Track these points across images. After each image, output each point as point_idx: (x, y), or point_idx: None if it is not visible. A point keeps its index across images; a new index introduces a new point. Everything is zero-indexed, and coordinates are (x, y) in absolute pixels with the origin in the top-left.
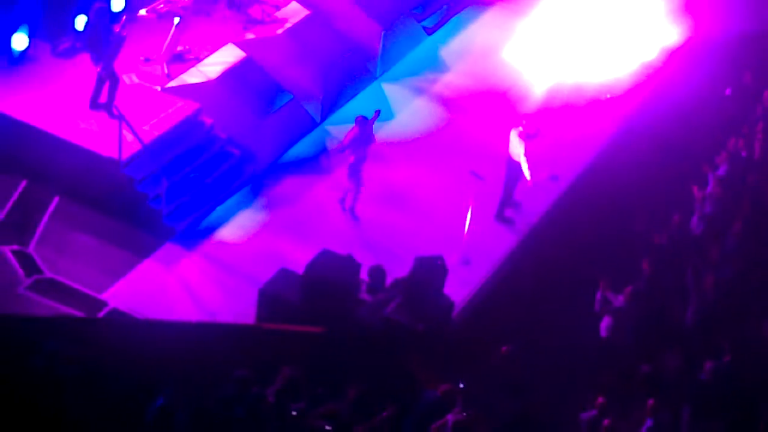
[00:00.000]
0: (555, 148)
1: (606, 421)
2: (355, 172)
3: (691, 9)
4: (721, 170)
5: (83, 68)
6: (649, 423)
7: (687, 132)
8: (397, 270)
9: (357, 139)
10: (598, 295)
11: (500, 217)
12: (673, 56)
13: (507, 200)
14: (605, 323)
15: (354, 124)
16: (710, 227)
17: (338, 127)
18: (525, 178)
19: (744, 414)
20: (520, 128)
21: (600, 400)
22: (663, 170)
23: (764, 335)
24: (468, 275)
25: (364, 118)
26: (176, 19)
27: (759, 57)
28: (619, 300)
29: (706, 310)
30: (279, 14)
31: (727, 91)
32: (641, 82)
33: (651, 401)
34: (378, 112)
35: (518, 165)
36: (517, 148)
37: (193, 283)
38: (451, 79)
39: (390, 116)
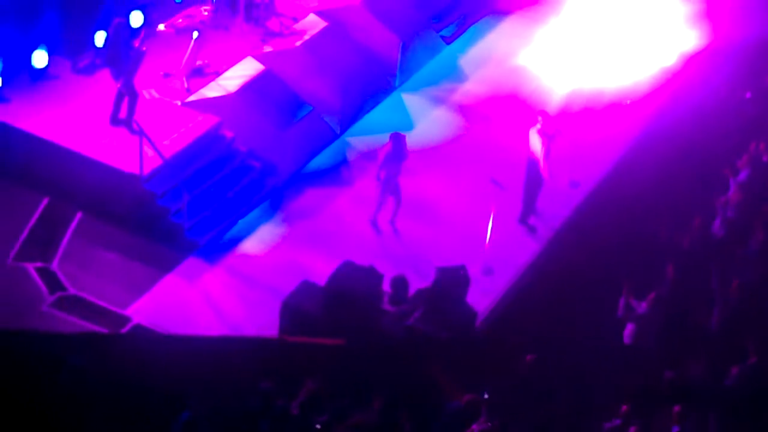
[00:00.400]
0: (575, 153)
1: (631, 430)
2: (389, 187)
3: (710, 14)
4: (743, 174)
5: (103, 84)
6: (675, 431)
7: (707, 136)
8: (420, 280)
9: (390, 154)
10: (621, 302)
11: (524, 221)
12: (692, 61)
13: (529, 204)
14: (629, 330)
15: (388, 140)
16: (732, 231)
17: (358, 138)
18: (545, 181)
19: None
20: (539, 125)
21: (624, 408)
22: (684, 174)
23: None
24: (490, 284)
25: (398, 133)
26: (195, 34)
27: None
28: (642, 306)
29: (731, 314)
30: (297, 27)
31: (748, 95)
32: (661, 87)
33: (677, 408)
34: (399, 135)
35: (538, 167)
36: (536, 145)
37: (215, 297)
38: (470, 88)
39: (410, 126)
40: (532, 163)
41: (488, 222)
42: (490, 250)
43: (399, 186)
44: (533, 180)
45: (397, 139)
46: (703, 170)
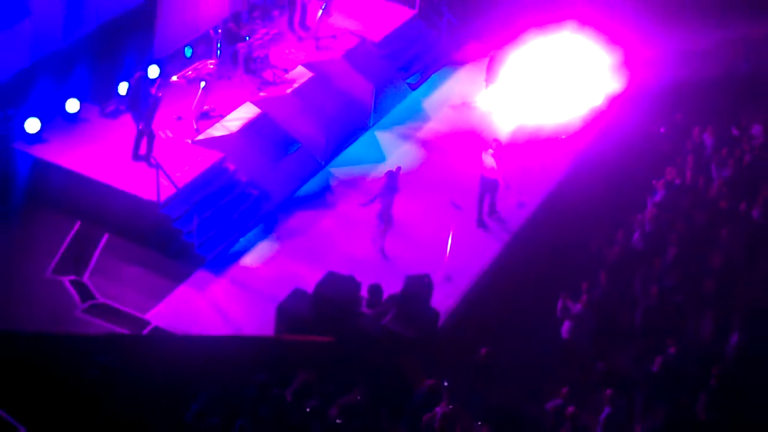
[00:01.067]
0: (521, 179)
1: (570, 409)
2: (384, 216)
3: (629, 63)
4: (658, 195)
5: (126, 126)
6: (607, 410)
7: (628, 164)
8: (392, 287)
9: (386, 188)
10: (559, 303)
11: (480, 225)
12: (615, 102)
13: (482, 211)
14: (565, 327)
15: (383, 176)
16: (650, 243)
17: (339, 169)
18: (497, 191)
19: (687, 398)
20: (491, 150)
21: (564, 390)
22: (609, 195)
23: (701, 333)
24: (450, 289)
25: (391, 171)
26: (202, 84)
27: (688, 100)
28: (576, 307)
29: (651, 313)
30: (287, 77)
31: (662, 130)
32: (590, 123)
33: (609, 391)
34: (399, 168)
35: (489, 181)
36: (490, 164)
37: (221, 303)
38: (432, 126)
39: (382, 159)
40: (484, 178)
41: (448, 237)
42: (450, 260)
43: (392, 215)
44: (484, 191)
45: (391, 175)
46: (624, 192)
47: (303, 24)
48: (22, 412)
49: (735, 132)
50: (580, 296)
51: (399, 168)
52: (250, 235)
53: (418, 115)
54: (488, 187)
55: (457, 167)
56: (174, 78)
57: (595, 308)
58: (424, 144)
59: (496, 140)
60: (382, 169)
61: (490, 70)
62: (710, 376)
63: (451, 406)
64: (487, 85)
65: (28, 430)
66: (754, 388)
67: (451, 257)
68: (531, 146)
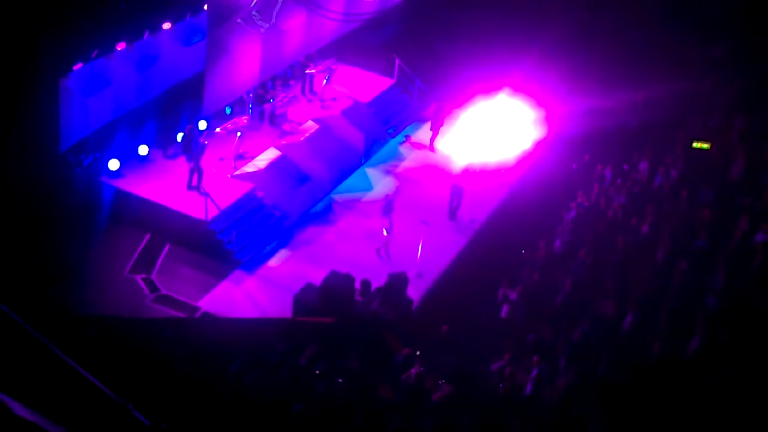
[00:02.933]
0: (472, 201)
1: (508, 369)
2: (389, 229)
3: (550, 117)
4: (572, 213)
5: (182, 165)
6: (535, 371)
7: (550, 190)
8: (378, 281)
9: (386, 207)
10: (500, 292)
11: (452, 218)
12: (540, 145)
13: (452, 208)
14: (504, 309)
15: (384, 200)
16: (567, 247)
17: (340, 195)
18: (462, 197)
19: (594, 360)
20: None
21: (507, 355)
22: (537, 212)
23: (605, 312)
24: (421, 283)
25: (388, 195)
26: (238, 133)
27: (593, 144)
28: (513, 294)
29: (568, 299)
30: (301, 128)
31: (574, 166)
32: (522, 161)
33: (535, 357)
34: (391, 195)
35: (457, 188)
36: (459, 176)
37: (252, 294)
38: (406, 164)
39: (371, 188)
40: (455, 186)
41: (419, 246)
42: (421, 262)
43: (391, 228)
44: (454, 197)
45: (388, 198)
46: (547, 210)
47: (312, 90)
48: (114, 379)
49: (626, 167)
50: (515, 286)
51: (389, 195)
52: (274, 244)
53: (395, 156)
54: (456, 192)
55: (425, 193)
56: (217, 129)
57: (527, 295)
58: (400, 177)
59: (468, 166)
60: (372, 195)
61: (435, 121)
62: (611, 345)
63: (421, 369)
64: (432, 131)
65: (115, 393)
66: (643, 353)
67: (422, 260)
68: (479, 177)
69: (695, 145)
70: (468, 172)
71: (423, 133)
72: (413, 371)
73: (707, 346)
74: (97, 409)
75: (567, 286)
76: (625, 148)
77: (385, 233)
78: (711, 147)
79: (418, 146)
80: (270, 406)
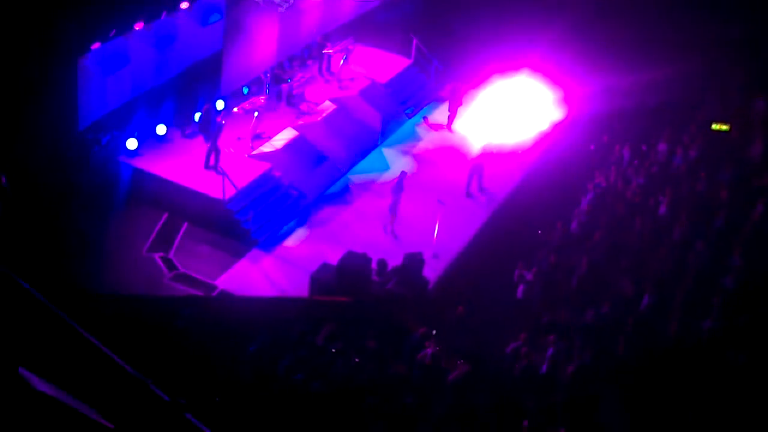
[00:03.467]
0: (490, 181)
1: (524, 349)
2: (393, 208)
3: (567, 98)
4: (589, 195)
5: (199, 145)
6: (551, 350)
7: (568, 171)
8: (394, 261)
9: (395, 186)
10: (516, 272)
11: (469, 195)
12: (558, 126)
13: (470, 186)
14: (520, 289)
15: (396, 177)
16: (584, 229)
17: (356, 176)
18: (483, 173)
19: (612, 342)
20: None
21: (522, 335)
22: (554, 194)
23: (624, 292)
24: (437, 264)
25: (403, 172)
26: (256, 113)
27: (610, 125)
28: (529, 275)
29: (584, 280)
30: (318, 108)
31: (592, 147)
32: (540, 142)
33: (551, 336)
34: (405, 172)
35: (476, 165)
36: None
37: (270, 273)
38: (423, 145)
39: (387, 168)
40: (474, 166)
41: (435, 226)
42: (437, 242)
43: (398, 208)
44: (473, 173)
45: (401, 176)
46: (565, 191)
47: (329, 70)
48: (133, 357)
49: (644, 148)
50: (531, 267)
51: (404, 173)
52: (291, 223)
53: (413, 136)
54: (476, 169)
55: (441, 174)
56: (235, 109)
57: (543, 276)
58: (417, 158)
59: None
60: (388, 176)
61: (453, 102)
62: (627, 324)
63: (437, 348)
64: (450, 112)
65: (134, 370)
66: (659, 334)
67: (438, 240)
68: (496, 158)
69: (714, 126)
70: (487, 152)
71: (440, 114)
72: (429, 351)
73: (724, 327)
74: (117, 384)
75: (583, 267)
76: (644, 128)
77: (389, 212)
78: (730, 129)
79: (436, 127)
80: (288, 385)
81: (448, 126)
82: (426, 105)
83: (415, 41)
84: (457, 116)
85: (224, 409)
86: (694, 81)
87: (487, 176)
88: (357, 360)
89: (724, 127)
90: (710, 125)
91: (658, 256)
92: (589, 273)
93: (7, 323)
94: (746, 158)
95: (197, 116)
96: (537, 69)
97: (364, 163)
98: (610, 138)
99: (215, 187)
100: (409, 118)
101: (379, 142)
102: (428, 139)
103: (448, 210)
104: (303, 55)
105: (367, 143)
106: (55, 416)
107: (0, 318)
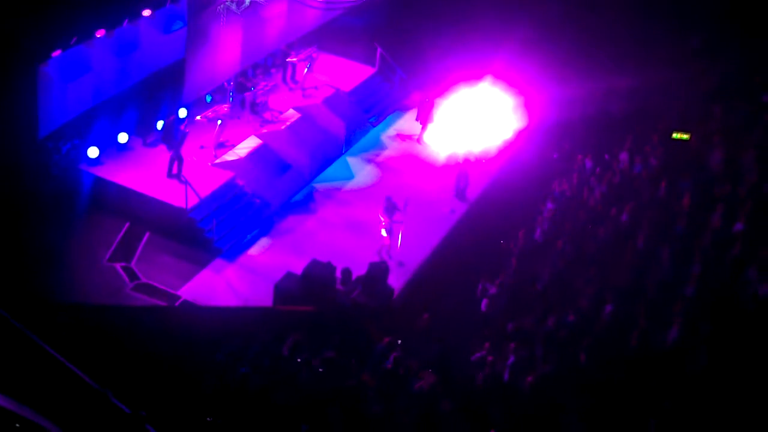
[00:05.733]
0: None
1: (489, 358)
2: (388, 230)
3: (530, 106)
4: (552, 203)
5: (162, 153)
6: (512, 358)
7: (530, 179)
8: (358, 270)
9: (387, 207)
10: (479, 286)
11: (462, 198)
12: (521, 135)
13: (459, 189)
14: (484, 303)
15: (383, 202)
16: (547, 237)
17: (321, 184)
18: (467, 177)
19: (574, 351)
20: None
21: (486, 344)
22: (517, 202)
23: (581, 305)
24: (402, 272)
25: (388, 197)
26: (219, 122)
27: (573, 133)
28: (492, 288)
29: (547, 289)
30: (282, 116)
31: (555, 155)
32: (504, 150)
33: (512, 345)
34: (389, 197)
35: (463, 174)
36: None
37: (233, 283)
38: (387, 153)
39: (351, 177)
40: (461, 172)
41: (398, 234)
42: (401, 251)
43: (393, 229)
44: (460, 180)
45: (388, 200)
46: (528, 199)
47: (293, 78)
48: (91, 368)
49: (606, 157)
50: (495, 280)
51: (389, 197)
52: (255, 232)
53: (377, 145)
54: (462, 176)
55: (405, 181)
56: (198, 117)
57: (506, 289)
58: (381, 166)
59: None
60: (353, 184)
61: (422, 112)
62: (589, 332)
63: (398, 353)
64: (421, 123)
65: (94, 381)
66: (620, 341)
67: (402, 249)
68: (460, 168)
69: (675, 135)
70: (471, 158)
71: (404, 123)
72: (391, 355)
73: (686, 336)
74: (77, 396)
75: (546, 276)
76: (606, 138)
77: (384, 234)
78: (690, 137)
79: (405, 137)
80: (252, 395)
81: (419, 138)
82: (390, 114)
83: (379, 50)
84: (427, 127)
85: (186, 420)
86: (655, 90)
87: (472, 182)
88: (321, 370)
89: (685, 137)
90: (671, 134)
91: (620, 264)
92: (552, 281)
93: None
94: (707, 166)
95: (159, 124)
96: (500, 76)
97: (328, 172)
98: (572, 147)
99: (178, 196)
100: (373, 126)
101: (343, 151)
102: (392, 147)
103: (412, 218)
104: (267, 63)
105: (331, 152)
106: (12, 430)
107: None
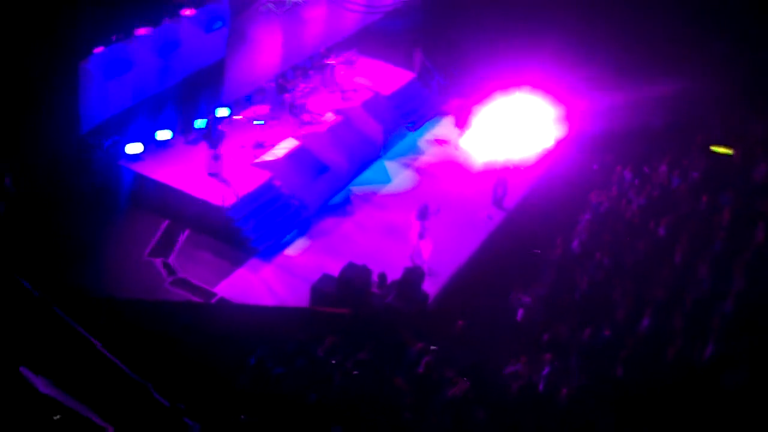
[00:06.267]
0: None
1: (523, 368)
2: (421, 235)
3: (570, 116)
4: (591, 214)
5: (202, 151)
6: (547, 369)
7: (569, 189)
8: (394, 274)
9: (421, 212)
10: (512, 295)
11: (499, 206)
12: (561, 144)
13: (497, 197)
14: (519, 313)
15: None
16: (585, 248)
17: (358, 187)
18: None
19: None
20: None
21: (523, 357)
22: (555, 212)
23: (617, 318)
24: (437, 279)
25: (425, 204)
26: (258, 122)
27: (613, 144)
28: (526, 298)
29: (584, 300)
30: (321, 119)
31: (595, 166)
32: (543, 159)
33: (548, 355)
34: (427, 204)
35: (502, 181)
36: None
37: (269, 282)
38: (425, 159)
39: (389, 181)
40: (500, 178)
41: (429, 242)
42: (437, 258)
43: (426, 232)
44: (498, 187)
45: (423, 207)
46: (566, 210)
47: (332, 81)
48: (133, 361)
49: (646, 170)
50: (527, 289)
51: (427, 204)
52: (292, 233)
53: (414, 150)
54: (501, 183)
55: (442, 187)
56: (238, 117)
57: (542, 299)
58: (418, 171)
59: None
60: (390, 188)
61: (460, 118)
62: (625, 346)
63: (430, 357)
64: (459, 130)
65: (132, 371)
66: (657, 358)
67: (438, 254)
68: (499, 175)
69: (716, 149)
70: (510, 165)
71: (442, 129)
72: (423, 360)
73: (723, 352)
74: (118, 388)
75: (583, 286)
76: (646, 150)
77: (418, 239)
78: (733, 153)
79: (442, 143)
80: (286, 395)
81: (457, 144)
82: (428, 119)
83: (419, 54)
84: (465, 133)
85: (221, 417)
86: (698, 101)
87: (510, 190)
88: (356, 373)
89: (729, 151)
90: (710, 148)
91: (657, 279)
92: (589, 292)
93: (9, 323)
94: (749, 180)
95: (200, 123)
96: (539, 86)
97: (365, 175)
98: (612, 158)
99: (216, 195)
100: (411, 131)
101: (381, 155)
102: (430, 152)
103: (449, 224)
104: (306, 65)
105: (368, 155)
106: (55, 420)
107: (2, 318)
